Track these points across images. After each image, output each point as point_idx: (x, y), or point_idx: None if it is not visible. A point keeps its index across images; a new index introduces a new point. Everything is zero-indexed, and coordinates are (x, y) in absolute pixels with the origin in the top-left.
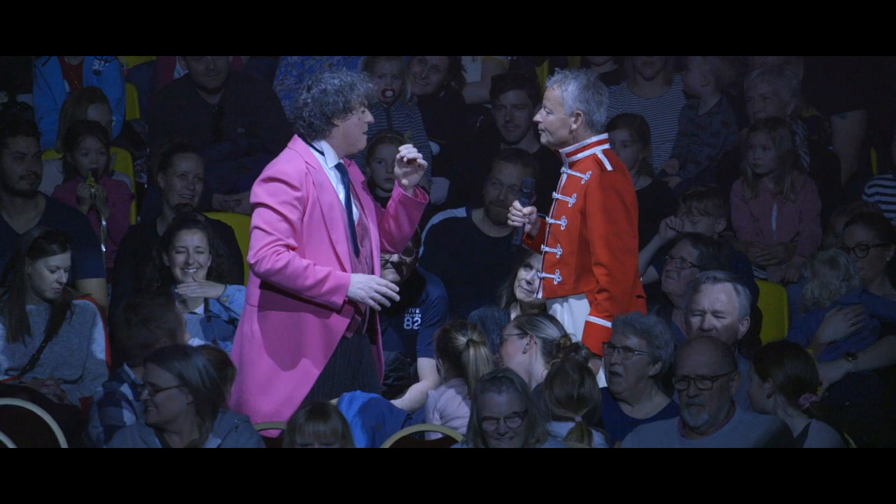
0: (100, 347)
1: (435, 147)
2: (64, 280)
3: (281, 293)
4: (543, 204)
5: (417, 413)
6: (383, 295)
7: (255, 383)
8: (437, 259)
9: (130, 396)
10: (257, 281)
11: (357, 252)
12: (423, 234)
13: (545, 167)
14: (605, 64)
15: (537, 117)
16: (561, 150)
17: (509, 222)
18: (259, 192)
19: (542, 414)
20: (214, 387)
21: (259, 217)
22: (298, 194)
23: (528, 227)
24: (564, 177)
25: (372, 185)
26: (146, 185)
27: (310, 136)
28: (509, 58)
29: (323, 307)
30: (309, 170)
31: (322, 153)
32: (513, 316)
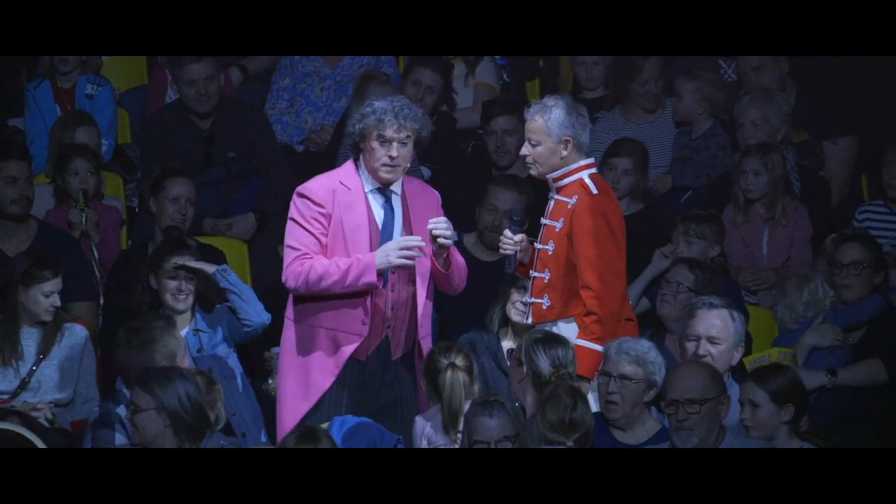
0: (90, 371)
1: (426, 171)
2: (58, 303)
3: (305, 307)
4: (535, 230)
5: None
6: (408, 248)
7: (279, 394)
8: None
9: (124, 416)
10: (291, 295)
11: (384, 280)
12: None
13: (539, 193)
14: (597, 90)
15: (524, 150)
16: (548, 176)
17: (501, 251)
18: (291, 207)
19: (534, 438)
20: (196, 411)
21: (289, 234)
22: (322, 210)
23: (519, 255)
24: (552, 202)
25: None
26: (137, 210)
27: (355, 158)
28: (500, 82)
29: (352, 299)
30: (339, 188)
31: (364, 175)
32: (504, 340)
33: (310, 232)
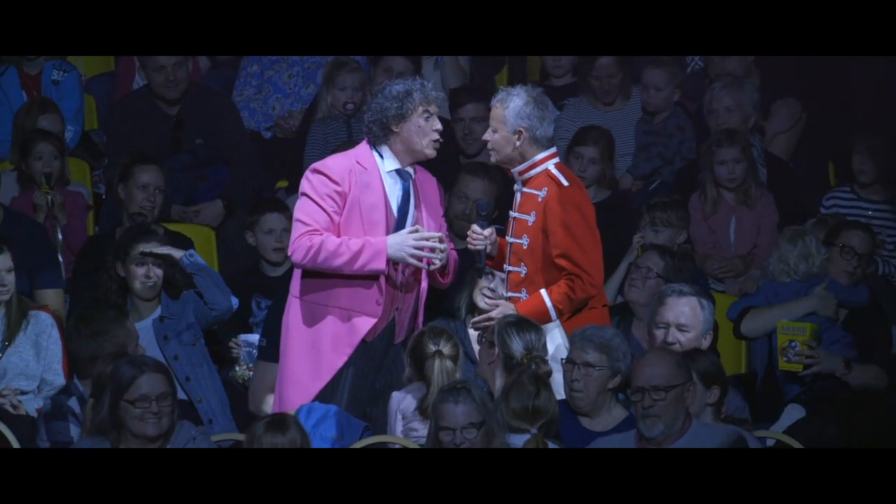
0: (56, 358)
1: None
2: (7, 282)
3: (316, 285)
4: (502, 220)
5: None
6: (425, 249)
7: (285, 373)
8: None
9: (77, 410)
10: (298, 272)
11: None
12: None
13: (508, 181)
14: (565, 77)
15: (485, 136)
16: (512, 170)
17: (470, 247)
18: (304, 182)
19: (500, 425)
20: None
21: (300, 208)
22: (339, 188)
23: (489, 248)
24: (519, 195)
25: None
26: (104, 196)
27: (372, 141)
28: (468, 58)
29: (363, 280)
30: (355, 168)
31: (382, 156)
32: (470, 328)
33: (322, 209)
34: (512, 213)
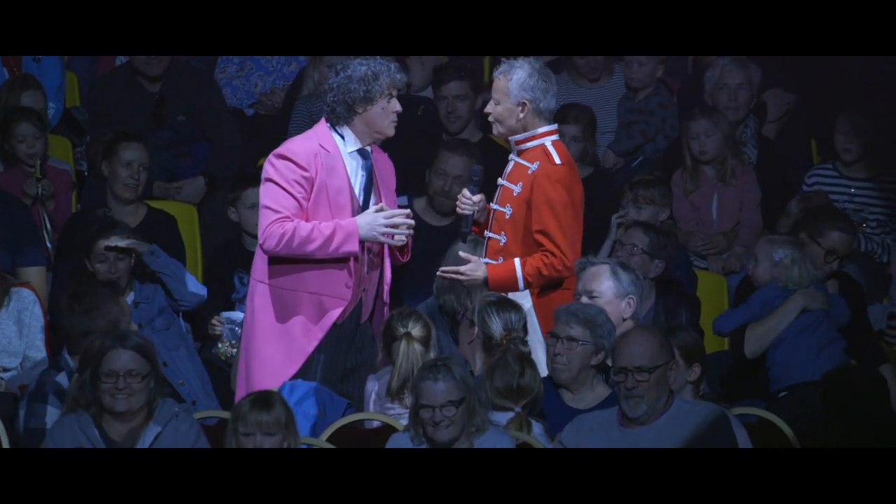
0: (38, 335)
1: None
2: None
3: (283, 269)
4: (489, 191)
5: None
6: (396, 226)
7: (253, 358)
8: None
9: (65, 385)
10: (263, 256)
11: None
12: None
13: (489, 157)
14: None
15: (487, 108)
16: (510, 138)
17: (458, 210)
18: (268, 168)
19: (483, 403)
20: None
21: (267, 194)
22: (306, 174)
23: (476, 215)
24: (511, 164)
25: None
26: (86, 174)
27: (332, 121)
28: None
29: (333, 265)
30: (320, 152)
31: (343, 137)
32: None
33: (291, 194)
34: (500, 181)
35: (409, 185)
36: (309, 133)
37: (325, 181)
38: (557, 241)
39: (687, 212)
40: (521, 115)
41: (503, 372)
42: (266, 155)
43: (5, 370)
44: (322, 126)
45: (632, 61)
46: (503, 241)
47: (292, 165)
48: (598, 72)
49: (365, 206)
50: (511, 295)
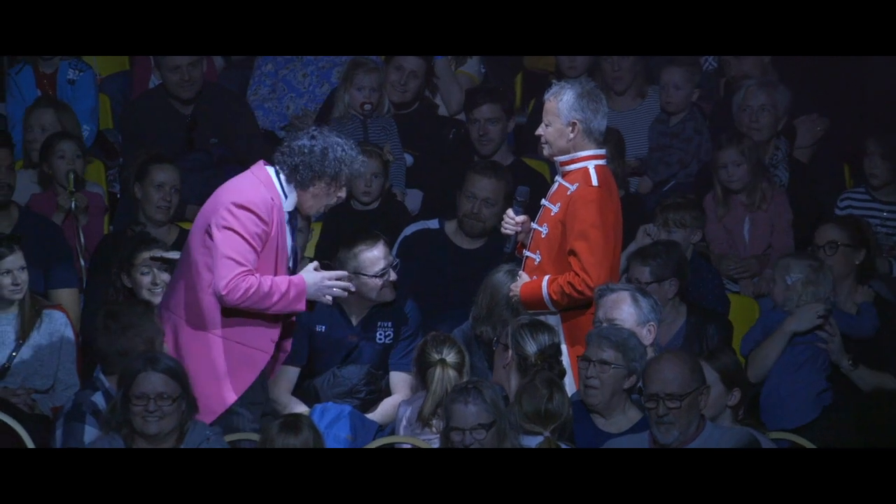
0: (70, 357)
1: (409, 158)
2: (21, 281)
3: (211, 315)
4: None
5: (389, 426)
6: (339, 288)
7: (197, 389)
8: (410, 270)
9: (101, 406)
10: (182, 292)
11: None
12: (396, 245)
13: (520, 180)
14: (581, 77)
15: (539, 130)
16: (556, 159)
17: (502, 230)
18: (227, 217)
19: (513, 426)
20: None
21: (228, 245)
22: (265, 229)
23: (520, 237)
24: (556, 185)
25: (349, 198)
26: (119, 196)
27: (288, 177)
28: (481, 73)
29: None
30: (274, 205)
31: (286, 196)
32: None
33: (252, 247)
34: (543, 201)
35: (442, 208)
36: (254, 180)
37: (276, 237)
38: (584, 262)
39: (719, 234)
40: (572, 136)
41: (531, 396)
42: None
43: (38, 392)
44: (265, 173)
45: (668, 85)
46: (538, 259)
47: (255, 218)
48: (625, 83)
49: (293, 266)
50: (549, 319)
